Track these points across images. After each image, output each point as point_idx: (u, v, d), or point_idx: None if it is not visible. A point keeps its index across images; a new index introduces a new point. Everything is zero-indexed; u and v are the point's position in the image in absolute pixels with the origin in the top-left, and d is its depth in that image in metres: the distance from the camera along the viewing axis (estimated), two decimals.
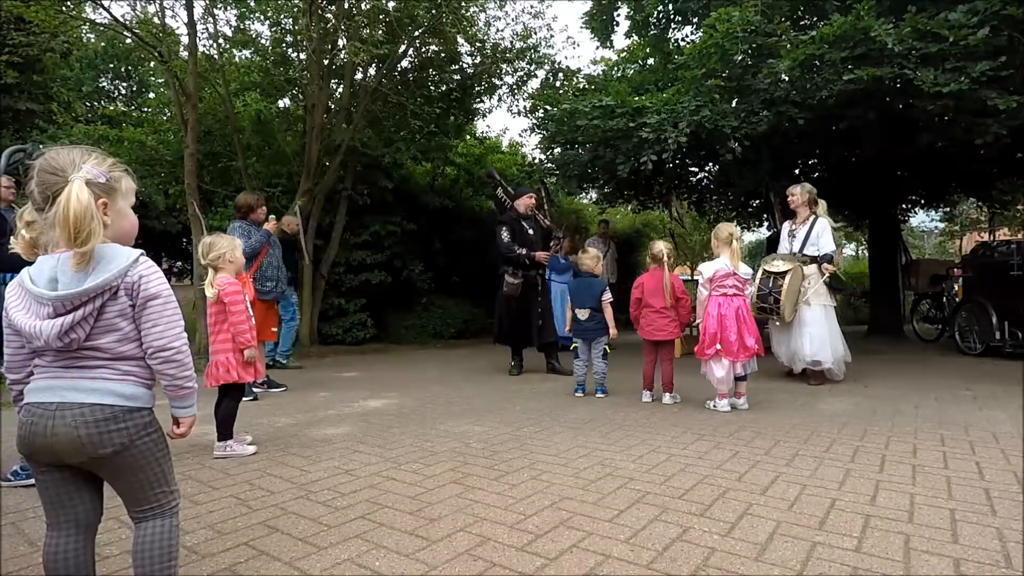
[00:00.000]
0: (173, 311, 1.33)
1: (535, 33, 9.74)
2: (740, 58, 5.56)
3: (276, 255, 5.04)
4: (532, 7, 11.03)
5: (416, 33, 8.34)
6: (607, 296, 4.55)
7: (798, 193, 5.15)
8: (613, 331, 4.57)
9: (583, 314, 4.57)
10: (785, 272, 4.82)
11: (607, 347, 4.60)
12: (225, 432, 3.07)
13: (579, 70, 9.92)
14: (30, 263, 1.32)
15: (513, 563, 1.79)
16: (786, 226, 5.34)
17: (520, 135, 30.98)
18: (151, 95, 13.62)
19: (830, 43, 5.14)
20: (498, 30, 11.40)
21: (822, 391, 4.66)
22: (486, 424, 3.66)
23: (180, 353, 1.34)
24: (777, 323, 5.02)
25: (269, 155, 9.17)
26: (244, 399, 3.57)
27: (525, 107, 9.92)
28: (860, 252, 22.63)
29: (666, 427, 3.52)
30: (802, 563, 1.75)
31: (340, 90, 9.20)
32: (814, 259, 5.01)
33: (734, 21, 5.45)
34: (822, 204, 5.19)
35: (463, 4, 8.18)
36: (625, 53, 10.03)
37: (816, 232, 5.03)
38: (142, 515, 1.37)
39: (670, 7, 8.49)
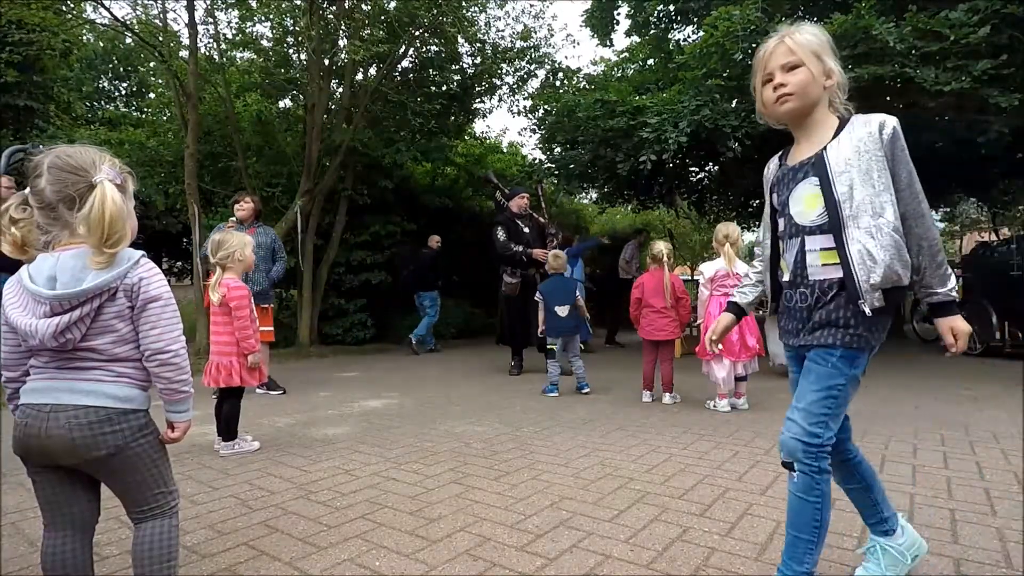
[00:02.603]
0: (172, 314, 1.32)
1: (535, 33, 9.76)
2: (740, 57, 5.55)
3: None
4: (532, 7, 11.04)
5: (416, 33, 8.34)
6: (580, 293, 4.91)
7: None
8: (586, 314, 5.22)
9: (563, 311, 4.71)
10: None
11: (582, 344, 4.92)
12: (231, 433, 3.09)
13: (579, 70, 9.94)
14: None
15: (513, 563, 1.78)
16: None
17: (520, 134, 31.02)
18: (151, 96, 13.60)
19: None
20: (498, 30, 11.41)
21: None
22: (486, 424, 3.66)
23: (177, 356, 1.33)
24: (763, 313, 5.07)
25: (269, 155, 9.17)
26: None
27: (525, 107, 9.94)
28: None
29: (666, 427, 3.52)
30: None
31: (340, 90, 9.19)
32: None
33: (735, 20, 5.45)
34: None
35: (463, 4, 8.18)
36: (625, 53, 10.03)
37: None
38: (141, 516, 1.36)
39: (671, 7, 8.48)
